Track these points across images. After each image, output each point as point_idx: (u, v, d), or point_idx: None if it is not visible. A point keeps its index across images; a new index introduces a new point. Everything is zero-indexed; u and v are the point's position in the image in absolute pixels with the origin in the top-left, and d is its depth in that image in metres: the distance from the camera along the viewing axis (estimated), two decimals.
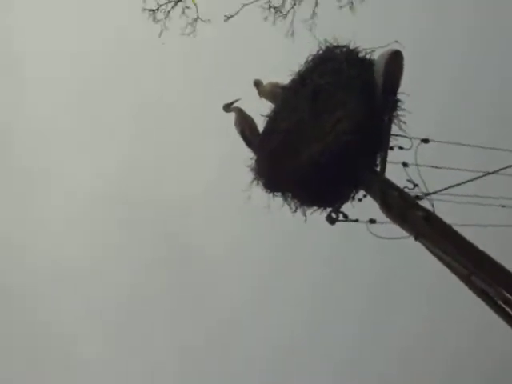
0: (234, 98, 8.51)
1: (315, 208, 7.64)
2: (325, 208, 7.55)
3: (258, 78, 8.48)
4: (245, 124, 8.36)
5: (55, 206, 18.56)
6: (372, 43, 7.66)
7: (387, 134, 7.41)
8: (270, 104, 8.21)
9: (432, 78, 15.00)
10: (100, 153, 18.55)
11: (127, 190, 18.27)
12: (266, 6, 13.22)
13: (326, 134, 7.37)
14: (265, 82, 8.47)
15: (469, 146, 7.22)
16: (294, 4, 13.47)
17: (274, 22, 13.34)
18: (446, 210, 6.79)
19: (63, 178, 18.69)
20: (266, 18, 13.38)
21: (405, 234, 6.82)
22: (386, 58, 7.35)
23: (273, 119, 8.03)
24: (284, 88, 8.07)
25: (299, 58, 8.06)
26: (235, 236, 17.77)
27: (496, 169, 6.81)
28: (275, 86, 8.27)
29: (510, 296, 5.74)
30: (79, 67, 17.67)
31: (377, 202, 7.16)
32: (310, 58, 7.96)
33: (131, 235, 18.73)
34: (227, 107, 8.49)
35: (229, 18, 13.37)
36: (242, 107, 8.50)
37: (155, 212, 18.39)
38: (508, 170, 7.03)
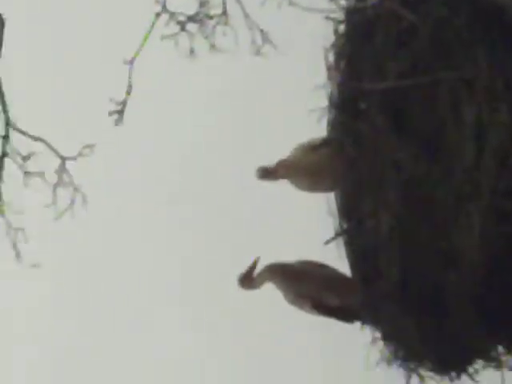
0: (251, 262, 4.02)
1: None
2: None
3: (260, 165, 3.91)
4: (302, 286, 3.93)
5: None
6: None
7: None
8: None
9: None
10: None
11: None
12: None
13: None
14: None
15: None
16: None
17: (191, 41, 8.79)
18: None
19: None
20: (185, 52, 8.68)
21: None
22: None
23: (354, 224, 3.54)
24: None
25: None
26: None
27: None
28: (312, 147, 3.82)
29: None
30: None
31: None
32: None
33: None
34: (247, 282, 3.91)
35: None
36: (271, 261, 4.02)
37: None
38: None
